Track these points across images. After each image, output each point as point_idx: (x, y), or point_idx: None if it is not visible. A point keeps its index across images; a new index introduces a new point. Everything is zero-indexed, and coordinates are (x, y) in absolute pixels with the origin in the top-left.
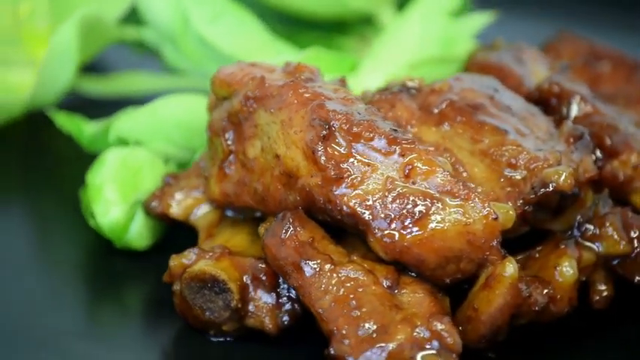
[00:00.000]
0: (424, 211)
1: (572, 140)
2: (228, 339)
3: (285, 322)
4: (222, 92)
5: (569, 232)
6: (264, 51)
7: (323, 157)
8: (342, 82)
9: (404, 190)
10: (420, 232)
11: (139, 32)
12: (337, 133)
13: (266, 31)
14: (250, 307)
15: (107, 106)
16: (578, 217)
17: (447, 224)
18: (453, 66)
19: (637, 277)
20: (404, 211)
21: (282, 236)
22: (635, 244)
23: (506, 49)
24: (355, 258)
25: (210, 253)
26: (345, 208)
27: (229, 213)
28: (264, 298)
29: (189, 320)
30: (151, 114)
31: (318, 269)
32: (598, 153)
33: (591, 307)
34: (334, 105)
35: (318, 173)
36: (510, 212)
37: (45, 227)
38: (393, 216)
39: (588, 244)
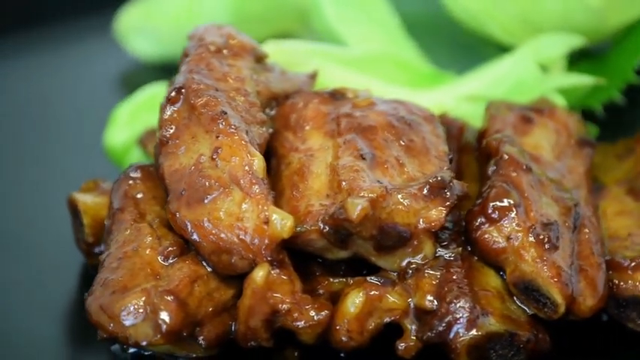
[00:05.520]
0: (211, 195)
1: (425, 187)
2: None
3: None
4: None
5: (396, 273)
6: (377, 43)
7: (164, 117)
8: (312, 76)
9: (205, 169)
10: (200, 214)
11: None
12: (182, 100)
13: (395, 27)
14: (102, 248)
15: None
16: (407, 261)
17: (223, 214)
18: None
19: (421, 333)
20: (197, 189)
21: (118, 184)
22: (436, 304)
23: (531, 107)
24: (157, 221)
25: (103, 190)
26: (160, 171)
27: None
28: None
29: None
30: None
31: (122, 221)
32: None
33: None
34: (200, 77)
35: (159, 132)
36: (285, 222)
37: None
38: (186, 191)
39: (407, 290)
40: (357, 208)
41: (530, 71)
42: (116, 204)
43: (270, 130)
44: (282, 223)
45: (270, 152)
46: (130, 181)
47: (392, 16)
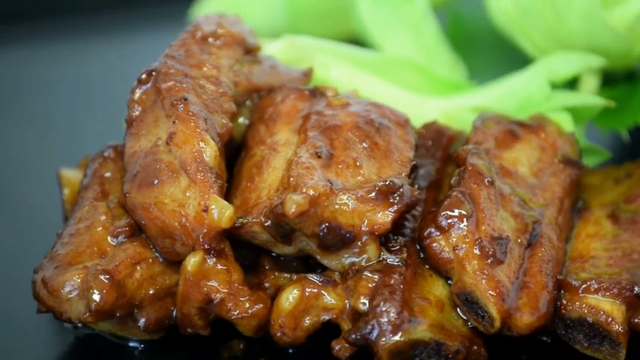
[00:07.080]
0: (160, 179)
1: (374, 190)
2: None
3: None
4: None
5: (340, 274)
6: (408, 47)
7: (132, 98)
8: (307, 73)
9: (159, 153)
10: (148, 197)
11: None
12: (151, 82)
13: (430, 32)
14: None
15: None
16: (350, 262)
17: (169, 199)
18: None
19: (347, 334)
20: (148, 173)
21: (91, 161)
22: (367, 306)
23: (520, 122)
24: (116, 201)
25: None
26: (124, 151)
27: None
28: None
29: None
30: None
31: (84, 198)
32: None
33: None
34: (174, 62)
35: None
36: (224, 212)
37: None
38: (139, 174)
39: (346, 290)
40: (293, 204)
41: (540, 88)
42: (84, 181)
43: (247, 122)
44: (220, 212)
45: (243, 143)
46: (101, 160)
47: (429, 21)
